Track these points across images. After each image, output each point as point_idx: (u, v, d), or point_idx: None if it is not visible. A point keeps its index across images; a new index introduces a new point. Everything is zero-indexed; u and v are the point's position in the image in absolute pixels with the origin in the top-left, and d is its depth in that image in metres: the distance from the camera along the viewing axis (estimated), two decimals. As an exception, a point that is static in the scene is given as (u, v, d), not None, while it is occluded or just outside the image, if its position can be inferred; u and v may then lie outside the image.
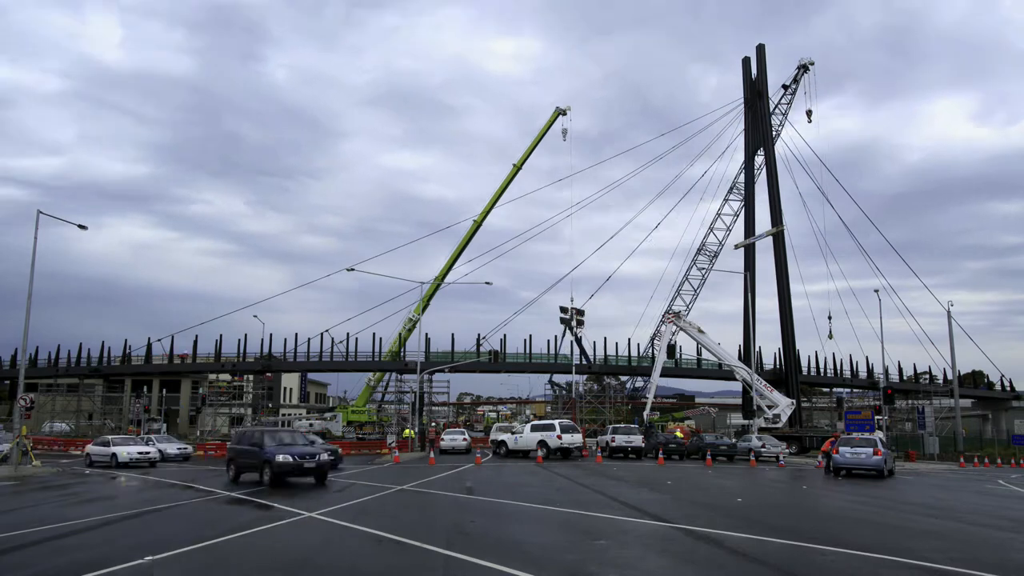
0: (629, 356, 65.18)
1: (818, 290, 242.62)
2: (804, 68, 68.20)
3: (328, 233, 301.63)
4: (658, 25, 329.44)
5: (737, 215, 67.54)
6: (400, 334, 62.33)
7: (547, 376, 70.77)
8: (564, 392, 69.67)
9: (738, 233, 66.26)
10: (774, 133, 67.73)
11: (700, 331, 55.02)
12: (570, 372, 59.50)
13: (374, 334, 64.03)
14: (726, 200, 67.94)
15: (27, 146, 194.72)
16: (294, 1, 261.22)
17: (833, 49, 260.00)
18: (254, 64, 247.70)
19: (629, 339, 66.88)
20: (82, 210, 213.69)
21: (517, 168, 65.03)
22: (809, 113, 67.21)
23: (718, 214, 67.60)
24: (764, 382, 54.44)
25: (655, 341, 63.24)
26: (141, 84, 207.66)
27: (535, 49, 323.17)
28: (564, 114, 65.21)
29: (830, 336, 61.52)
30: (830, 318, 61.58)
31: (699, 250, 67.04)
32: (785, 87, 68.76)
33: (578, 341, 62.83)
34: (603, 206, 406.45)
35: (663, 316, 62.34)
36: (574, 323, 62.32)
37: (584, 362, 63.79)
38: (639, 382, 65.92)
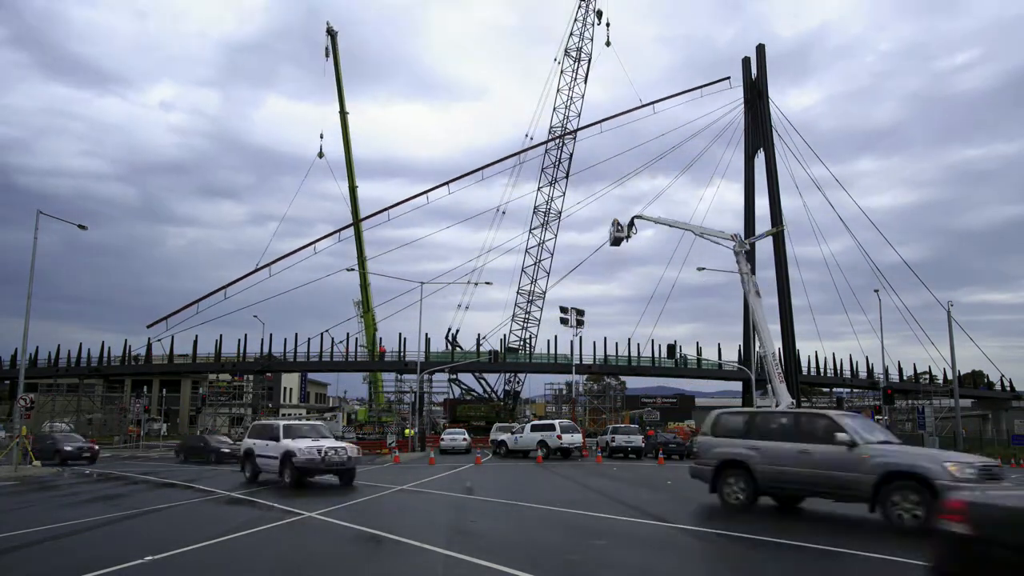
0: (629, 356, 65.17)
1: (817, 291, 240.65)
2: None
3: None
4: None
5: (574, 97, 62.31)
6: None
7: (547, 376, 70.80)
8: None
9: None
10: (582, 62, 61.63)
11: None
12: (570, 372, 59.55)
13: (373, 333, 64.19)
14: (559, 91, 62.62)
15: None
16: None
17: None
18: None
19: (629, 339, 66.65)
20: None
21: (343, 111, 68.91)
22: (599, 14, 60.36)
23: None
24: (779, 367, 53.17)
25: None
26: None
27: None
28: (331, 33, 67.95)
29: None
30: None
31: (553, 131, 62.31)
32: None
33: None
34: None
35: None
36: (573, 322, 62.28)
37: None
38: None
